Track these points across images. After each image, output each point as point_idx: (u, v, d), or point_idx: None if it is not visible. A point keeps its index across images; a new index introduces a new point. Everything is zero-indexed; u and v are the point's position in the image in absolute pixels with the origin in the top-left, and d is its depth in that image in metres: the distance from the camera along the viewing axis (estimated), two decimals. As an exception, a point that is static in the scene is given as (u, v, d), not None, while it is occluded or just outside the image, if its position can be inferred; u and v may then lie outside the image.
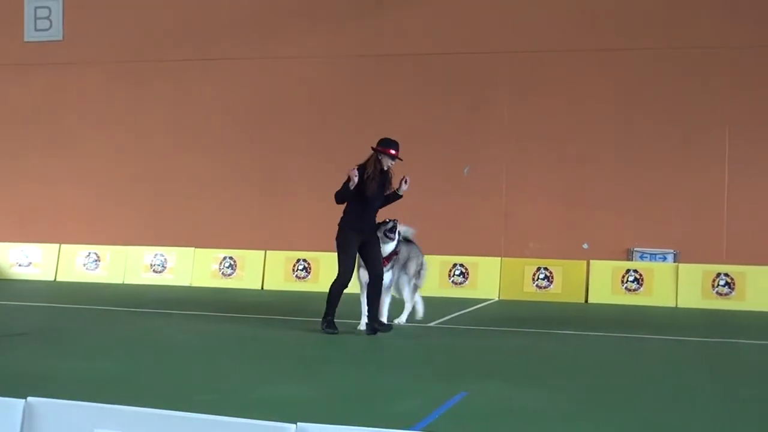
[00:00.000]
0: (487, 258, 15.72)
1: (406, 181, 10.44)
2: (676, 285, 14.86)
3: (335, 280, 10.46)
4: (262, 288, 16.55)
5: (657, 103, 15.41)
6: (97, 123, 18.11)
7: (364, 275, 10.58)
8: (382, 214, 10.75)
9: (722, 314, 13.83)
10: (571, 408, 6.89)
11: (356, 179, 10.10)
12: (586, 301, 15.16)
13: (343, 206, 10.53)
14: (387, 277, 10.68)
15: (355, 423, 4.52)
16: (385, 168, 10.34)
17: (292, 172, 17.03)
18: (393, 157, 10.34)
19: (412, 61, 16.53)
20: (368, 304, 10.49)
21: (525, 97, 15.99)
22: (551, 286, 15.39)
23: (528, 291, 15.40)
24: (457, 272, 15.73)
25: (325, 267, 16.26)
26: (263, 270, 16.71)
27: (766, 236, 14.83)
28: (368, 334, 10.36)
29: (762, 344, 10.88)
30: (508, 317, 13.08)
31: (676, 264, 15.07)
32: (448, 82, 16.36)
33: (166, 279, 17.10)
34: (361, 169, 10.26)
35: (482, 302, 14.76)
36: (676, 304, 14.70)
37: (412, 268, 11.26)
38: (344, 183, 10.27)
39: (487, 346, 10.11)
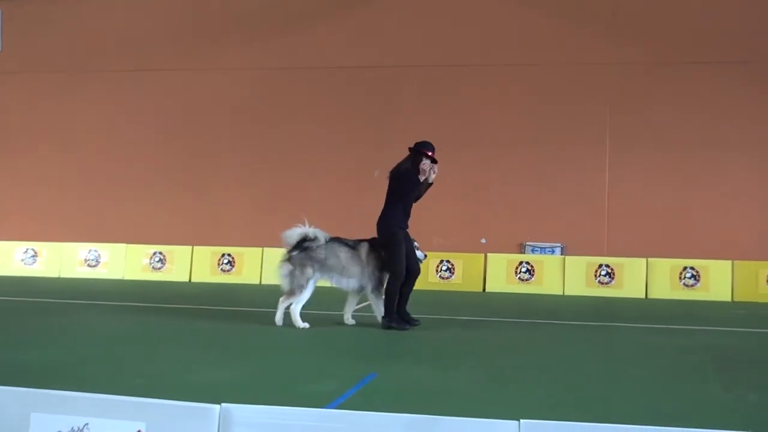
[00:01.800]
0: (395, 252, 15.75)
1: (434, 170, 10.12)
2: (563, 275, 15.13)
3: (390, 280, 9.87)
4: (190, 281, 16.36)
5: (546, 112, 15.67)
6: (32, 123, 17.67)
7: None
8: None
9: (604, 301, 14.13)
10: (475, 386, 6.96)
11: (433, 175, 9.98)
12: (484, 290, 15.34)
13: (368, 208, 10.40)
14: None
15: (275, 403, 4.49)
16: (424, 174, 10.07)
17: (218, 173, 16.89)
18: (432, 159, 10.08)
19: (332, 72, 16.51)
20: (399, 297, 9.99)
21: (431, 107, 16.11)
22: (453, 276, 15.53)
23: (432, 281, 15.51)
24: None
25: (249, 261, 16.20)
26: (191, 264, 16.52)
27: (641, 232, 15.22)
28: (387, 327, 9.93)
29: (638, 327, 11.14)
30: (415, 304, 13.10)
31: (563, 256, 15.35)
32: (361, 93, 16.38)
33: (100, 273, 16.77)
34: (414, 172, 9.96)
35: (391, 292, 14.77)
36: (563, 292, 14.98)
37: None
38: (410, 179, 9.90)
39: (396, 332, 10.14)
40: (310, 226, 10.24)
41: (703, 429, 4.31)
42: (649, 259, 14.93)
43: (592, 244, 15.36)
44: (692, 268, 14.77)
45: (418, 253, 10.25)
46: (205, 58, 17.01)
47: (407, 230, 10.05)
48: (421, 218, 15.94)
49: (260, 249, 16.19)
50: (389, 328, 9.82)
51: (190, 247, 16.58)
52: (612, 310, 12.93)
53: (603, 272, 15.00)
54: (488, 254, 15.59)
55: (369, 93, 16.36)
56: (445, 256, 15.64)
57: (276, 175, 16.65)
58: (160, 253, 16.66)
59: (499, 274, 15.39)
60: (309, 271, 10.05)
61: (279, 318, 10.17)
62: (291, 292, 10.06)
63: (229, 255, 16.37)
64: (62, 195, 17.45)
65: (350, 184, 16.32)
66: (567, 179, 15.57)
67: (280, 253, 15.92)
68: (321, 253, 10.11)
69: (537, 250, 15.56)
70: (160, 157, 17.11)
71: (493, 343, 9.38)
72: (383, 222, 9.96)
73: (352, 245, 10.21)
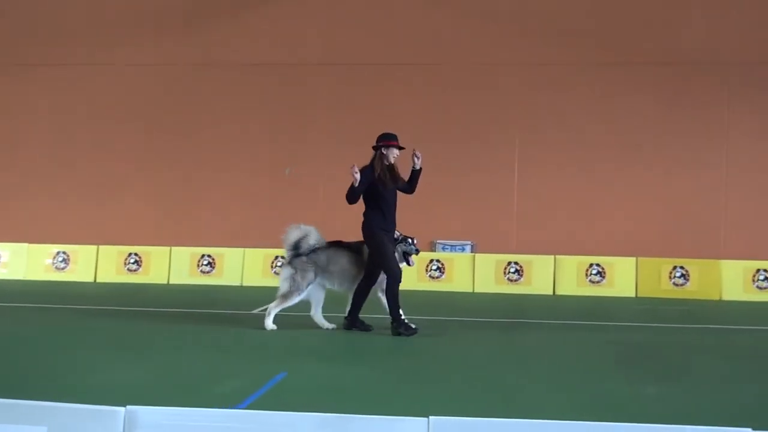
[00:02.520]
0: (306, 250, 15.74)
1: (417, 156, 9.84)
2: (473, 272, 15.33)
3: (388, 284, 9.60)
4: (95, 281, 16.03)
5: (455, 111, 15.85)
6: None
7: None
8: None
9: (513, 297, 14.36)
10: (384, 384, 7.01)
11: (358, 177, 9.49)
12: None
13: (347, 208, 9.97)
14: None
15: (183, 404, 4.45)
16: (392, 161, 9.82)
17: (123, 173, 16.57)
18: (397, 147, 9.85)
19: (243, 69, 16.37)
20: (352, 304, 9.86)
21: (343, 105, 16.14)
22: (364, 275, 15.57)
23: (344, 280, 15.51)
24: (279, 264, 15.68)
25: (156, 260, 15.95)
26: (96, 264, 16.18)
27: (549, 230, 15.53)
28: (346, 329, 9.86)
29: (545, 323, 11.37)
30: (326, 303, 13.12)
31: (473, 254, 15.55)
32: (272, 90, 16.30)
33: (0, 273, 16.30)
34: (369, 170, 9.68)
35: (302, 291, 14.75)
36: (473, 290, 15.17)
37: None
38: (351, 184, 9.60)
39: (306, 330, 10.12)
40: (302, 227, 10.13)
41: (606, 423, 4.43)
42: (557, 256, 15.24)
43: (501, 242, 15.61)
44: (598, 265, 15.13)
45: (409, 248, 10.08)
46: (113, 54, 16.65)
47: (393, 232, 9.83)
48: (334, 218, 16.05)
49: (168, 248, 15.98)
50: (398, 334, 9.48)
51: (96, 246, 16.24)
52: (521, 306, 13.15)
53: (512, 269, 15.25)
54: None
55: (280, 91, 16.28)
56: (356, 254, 15.67)
57: (185, 173, 16.43)
58: (64, 252, 16.28)
59: (410, 272, 15.46)
60: (310, 276, 9.90)
61: (270, 323, 9.89)
62: (286, 296, 9.87)
63: (135, 254, 16.09)
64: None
65: (264, 180, 16.21)
66: (476, 178, 15.79)
67: (190, 252, 15.92)
68: (323, 258, 9.94)
69: (447, 248, 15.72)
70: (66, 155, 16.71)
71: (403, 341, 9.44)
72: (363, 226, 9.75)
73: (355, 248, 10.01)
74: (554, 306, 13.42)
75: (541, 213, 15.67)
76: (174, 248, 15.98)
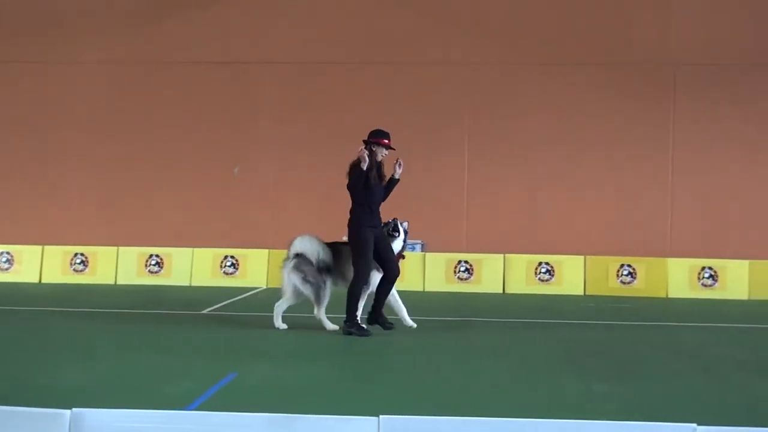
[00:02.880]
0: (256, 250, 15.68)
1: (400, 164, 9.71)
2: (424, 271, 15.37)
3: (354, 281, 9.47)
4: (40, 281, 15.76)
5: (406, 111, 15.86)
6: None
7: (376, 278, 9.61)
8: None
9: (463, 296, 14.43)
10: (335, 384, 7.00)
11: (367, 158, 9.37)
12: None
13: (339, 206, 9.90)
14: (378, 276, 9.66)
15: (131, 406, 4.40)
16: (380, 159, 9.65)
17: (69, 171, 16.31)
18: (387, 147, 9.69)
19: (191, 68, 16.22)
20: (375, 300, 9.58)
21: (291, 105, 16.07)
22: (314, 274, 15.53)
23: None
24: (228, 263, 15.60)
25: (103, 260, 15.74)
26: (41, 264, 15.90)
27: (498, 228, 15.63)
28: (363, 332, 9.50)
29: (495, 321, 11.46)
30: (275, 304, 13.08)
31: (424, 253, 15.59)
32: (221, 89, 16.18)
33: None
34: (358, 165, 9.50)
35: (252, 290, 14.70)
36: (424, 288, 15.21)
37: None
38: (355, 171, 9.48)
39: (257, 331, 10.08)
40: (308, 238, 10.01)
41: (556, 420, 4.47)
42: (507, 255, 15.34)
43: (451, 241, 15.67)
44: (547, 263, 15.27)
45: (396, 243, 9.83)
46: (61, 52, 16.38)
47: (379, 230, 9.66)
48: (284, 217, 16.02)
49: (115, 248, 15.77)
50: (349, 333, 9.38)
51: (41, 246, 15.97)
52: (471, 305, 13.21)
53: (462, 268, 15.32)
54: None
55: (227, 90, 16.15)
56: (306, 253, 15.63)
57: (132, 172, 16.20)
58: (8, 253, 15.98)
59: (361, 271, 15.48)
60: (324, 276, 9.79)
61: (329, 324, 9.78)
62: (319, 298, 9.76)
63: (82, 254, 15.86)
64: None
65: (213, 180, 16.08)
66: (427, 177, 15.81)
67: (137, 252, 15.73)
68: (326, 259, 9.84)
69: (398, 247, 15.72)
70: (7, 152, 16.40)
71: (353, 340, 9.43)
72: (349, 223, 9.64)
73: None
74: (504, 304, 13.52)
75: (491, 212, 15.76)
76: (121, 248, 15.78)
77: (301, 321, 11.14)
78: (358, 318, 9.53)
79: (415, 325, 9.79)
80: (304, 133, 16.04)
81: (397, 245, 9.86)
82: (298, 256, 9.90)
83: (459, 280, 15.26)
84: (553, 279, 15.19)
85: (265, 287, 15.29)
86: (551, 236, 15.51)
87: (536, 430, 4.12)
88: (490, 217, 15.77)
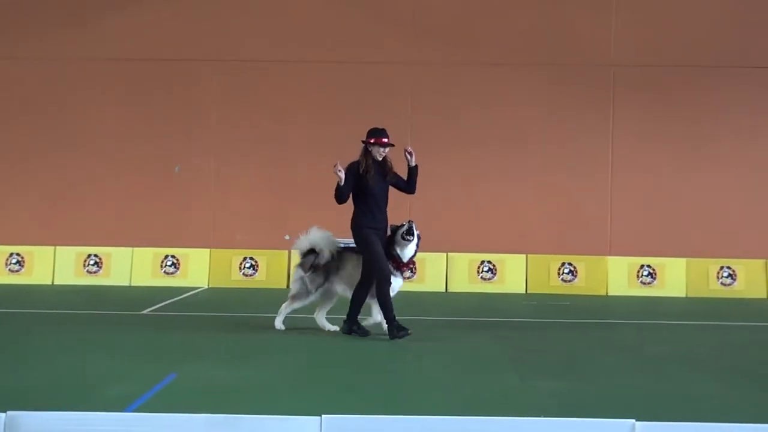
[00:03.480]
0: (197, 249, 15.55)
1: (410, 153, 9.53)
2: (367, 271, 15.37)
3: (377, 283, 9.19)
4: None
5: (348, 110, 15.86)
6: None
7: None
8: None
9: (406, 295, 14.41)
10: (277, 384, 6.97)
11: (342, 175, 9.15)
12: (288, 286, 15.32)
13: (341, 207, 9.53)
14: (399, 281, 9.52)
15: (68, 409, 4.33)
16: (378, 158, 9.42)
17: (3, 168, 15.97)
18: (382, 145, 9.45)
19: (127, 65, 16.01)
20: (351, 306, 9.45)
21: (231, 103, 15.96)
22: (256, 274, 15.47)
23: (235, 279, 15.39)
24: (169, 263, 15.44)
25: (40, 260, 15.46)
26: (-25, 264, 15.57)
27: (441, 227, 15.67)
28: (345, 333, 9.44)
29: (438, 320, 11.52)
30: (217, 303, 13.02)
31: (367, 252, 15.58)
32: (160, 87, 16.00)
33: None
34: (356, 165, 9.33)
35: (193, 290, 14.58)
36: (367, 288, 15.21)
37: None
38: (337, 183, 9.26)
39: (197, 331, 10.00)
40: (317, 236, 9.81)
41: (498, 417, 4.51)
42: (449, 254, 15.43)
43: (394, 240, 15.69)
44: (489, 262, 15.39)
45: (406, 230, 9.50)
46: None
47: (383, 231, 9.41)
48: (226, 216, 15.91)
49: (52, 248, 15.49)
50: (396, 338, 9.11)
51: (-28, 246, 15.65)
52: (414, 304, 13.23)
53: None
54: (292, 250, 15.59)
55: (166, 87, 15.97)
56: (248, 253, 15.56)
57: (69, 170, 15.92)
58: (-60, 253, 15.62)
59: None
60: (319, 279, 9.65)
61: (279, 323, 9.81)
62: (295, 297, 9.74)
63: (18, 255, 15.55)
64: None
65: (153, 178, 15.88)
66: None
67: (75, 251, 15.49)
68: (332, 263, 9.68)
69: (341, 246, 15.69)
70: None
71: (295, 340, 9.41)
72: (351, 224, 9.45)
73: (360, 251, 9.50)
74: (447, 303, 13.59)
75: (434, 211, 15.80)
76: (59, 248, 15.52)
77: (239, 321, 11.08)
78: (396, 319, 9.25)
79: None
80: (244, 131, 15.95)
81: (409, 250, 9.56)
82: (309, 252, 9.73)
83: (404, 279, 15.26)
84: (495, 277, 15.32)
85: (206, 287, 15.17)
86: (493, 235, 15.63)
87: (478, 428, 4.15)
88: (432, 216, 15.81)
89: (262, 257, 15.51)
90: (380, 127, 9.74)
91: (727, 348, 9.44)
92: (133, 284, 15.26)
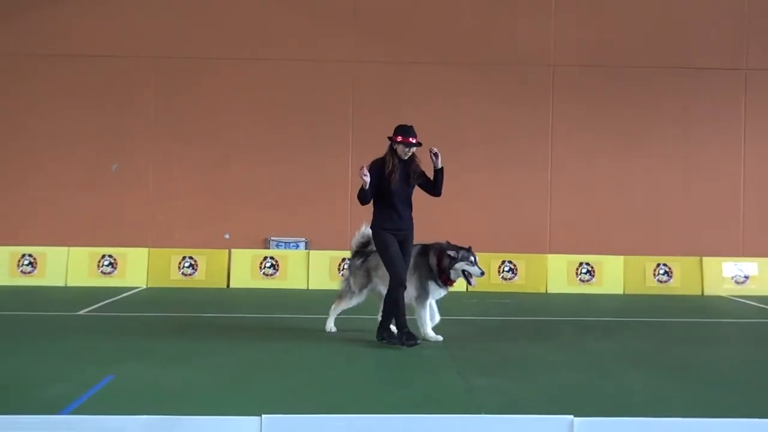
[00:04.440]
0: (135, 249, 15.37)
1: (435, 155, 8.98)
2: (308, 269, 15.37)
3: (390, 287, 8.70)
4: None
5: (290, 108, 15.83)
6: None
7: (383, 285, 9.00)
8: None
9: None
10: (216, 384, 6.92)
11: (366, 179, 8.63)
12: (228, 286, 15.26)
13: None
14: (443, 293, 9.21)
15: (1, 412, 4.25)
16: (404, 157, 8.88)
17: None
18: (407, 144, 8.89)
19: (64, 61, 15.75)
20: (382, 313, 8.94)
21: (170, 101, 15.81)
22: (196, 273, 15.34)
23: (174, 278, 15.25)
24: (107, 262, 15.23)
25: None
26: None
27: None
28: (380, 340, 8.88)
29: (378, 319, 11.51)
30: (156, 303, 12.88)
31: (308, 251, 15.58)
32: (97, 84, 15.78)
33: None
34: (380, 163, 8.84)
35: (131, 290, 14.40)
36: (308, 286, 15.21)
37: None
38: (361, 186, 8.76)
39: (135, 332, 9.89)
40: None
41: (436, 415, 4.55)
42: (389, 253, 15.45)
43: (335, 239, 15.69)
44: (429, 261, 15.46)
45: (472, 269, 9.20)
46: None
47: (406, 232, 8.97)
48: (164, 214, 15.74)
49: (-17, 248, 15.22)
50: (409, 345, 8.63)
51: None
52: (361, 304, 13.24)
53: (346, 265, 15.33)
54: (232, 250, 15.54)
55: (103, 84, 15.76)
56: (187, 252, 15.43)
57: (3, 167, 15.63)
58: None
59: (244, 269, 15.38)
60: (361, 280, 9.50)
61: (330, 325, 9.74)
62: (340, 297, 9.67)
63: (-50, 254, 15.23)
64: None
65: (90, 176, 15.66)
66: (311, 175, 15.83)
67: (9, 251, 15.21)
68: (373, 263, 9.33)
69: (282, 245, 15.68)
70: None
71: (235, 340, 9.35)
72: (371, 225, 9.07)
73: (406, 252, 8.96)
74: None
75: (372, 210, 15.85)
76: (-14, 248, 15.23)
77: (178, 321, 10.98)
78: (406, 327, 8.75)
79: (440, 339, 9.12)
80: (182, 129, 15.81)
81: (457, 273, 9.18)
82: (361, 249, 9.59)
83: (342, 278, 15.27)
84: (435, 275, 15.38)
85: (144, 287, 15.00)
86: (434, 234, 15.63)
87: (418, 426, 4.17)
88: (371, 215, 15.85)
89: (201, 256, 15.39)
90: (408, 124, 9.25)
91: (663, 344, 9.62)
92: (69, 284, 15.02)
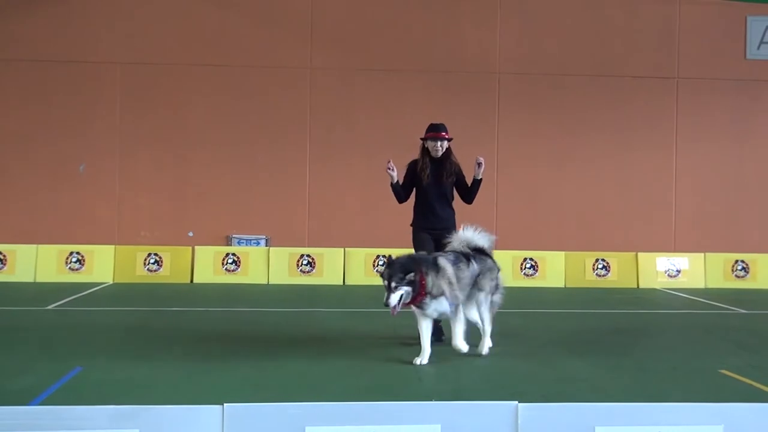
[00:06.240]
0: (102, 246, 15.19)
1: (480, 164, 8.62)
2: (268, 265, 15.30)
3: None
4: None
5: (248, 113, 15.74)
6: None
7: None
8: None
9: (305, 288, 14.45)
10: (180, 375, 6.87)
11: (393, 174, 8.53)
12: (192, 281, 15.15)
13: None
14: (444, 304, 7.46)
15: (-29, 403, 4.18)
16: (435, 155, 8.59)
17: None
18: (436, 139, 8.59)
19: (30, 66, 15.50)
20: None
21: (135, 105, 15.63)
22: (161, 269, 15.19)
23: (140, 274, 15.08)
24: (74, 259, 15.02)
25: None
26: None
27: (339, 224, 15.74)
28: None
29: (335, 311, 11.54)
30: (122, 298, 12.74)
31: (268, 248, 15.52)
32: (63, 89, 15.54)
33: None
34: (412, 163, 8.68)
35: (98, 285, 14.22)
36: (268, 281, 15.15)
37: (487, 284, 8.09)
38: (407, 169, 8.62)
39: (102, 325, 9.78)
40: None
41: (385, 402, 4.55)
42: (347, 249, 15.47)
43: (294, 236, 15.67)
44: (385, 256, 15.46)
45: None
46: None
47: (442, 230, 8.43)
48: (131, 214, 15.57)
49: (-45, 245, 14.92)
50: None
51: None
52: (312, 296, 13.25)
53: (305, 261, 15.33)
54: (196, 247, 15.42)
55: (70, 87, 15.52)
56: (153, 249, 15.27)
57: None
58: None
59: (207, 265, 15.27)
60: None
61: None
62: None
63: None
64: None
65: (58, 176, 15.42)
66: (271, 176, 15.77)
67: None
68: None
69: (243, 242, 15.60)
70: None
71: (199, 332, 9.30)
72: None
73: (466, 256, 8.07)
74: (343, 295, 13.62)
75: (332, 208, 15.84)
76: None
77: (144, 315, 10.89)
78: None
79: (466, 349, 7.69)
80: (148, 131, 15.65)
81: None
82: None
83: (301, 273, 15.27)
84: (389, 271, 15.39)
85: (111, 282, 14.83)
86: (387, 231, 15.73)
87: (370, 412, 4.18)
88: (330, 213, 15.85)
89: (166, 253, 15.26)
90: (438, 122, 9.03)
91: (602, 333, 9.74)
92: (38, 280, 14.79)
